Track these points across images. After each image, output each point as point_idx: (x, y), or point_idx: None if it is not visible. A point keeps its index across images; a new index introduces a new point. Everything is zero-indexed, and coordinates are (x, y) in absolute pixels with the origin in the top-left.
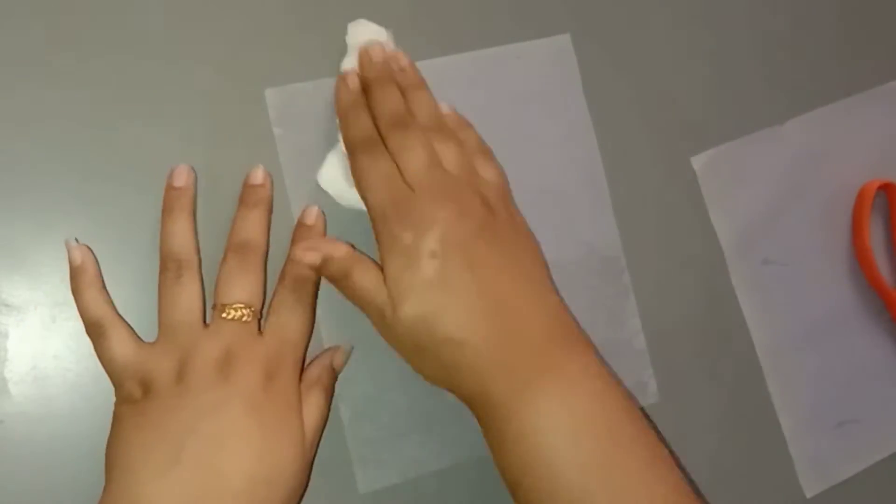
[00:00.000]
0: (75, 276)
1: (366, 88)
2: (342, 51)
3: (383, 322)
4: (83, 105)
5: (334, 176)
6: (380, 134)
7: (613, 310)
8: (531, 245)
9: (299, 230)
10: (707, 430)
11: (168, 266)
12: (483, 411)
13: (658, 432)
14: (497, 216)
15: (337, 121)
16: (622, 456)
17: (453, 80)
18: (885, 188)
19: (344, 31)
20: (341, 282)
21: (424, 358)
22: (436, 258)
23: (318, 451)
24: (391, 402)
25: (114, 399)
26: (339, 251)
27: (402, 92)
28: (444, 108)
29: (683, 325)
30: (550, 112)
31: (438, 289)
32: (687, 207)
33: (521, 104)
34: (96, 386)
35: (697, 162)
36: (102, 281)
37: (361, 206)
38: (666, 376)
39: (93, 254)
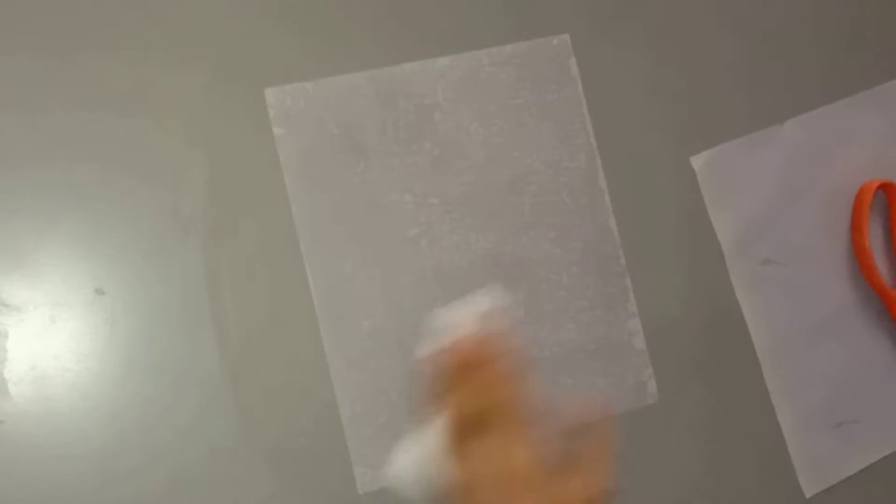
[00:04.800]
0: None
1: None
2: (340, 50)
3: None
4: (84, 105)
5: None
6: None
7: (613, 310)
8: None
9: None
10: (706, 430)
11: None
12: None
13: None
14: None
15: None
16: None
17: (453, 80)
18: (884, 188)
19: (343, 32)
20: None
21: None
22: None
23: (318, 450)
24: (391, 402)
25: None
26: None
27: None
28: None
29: (683, 325)
30: (550, 112)
31: None
32: (687, 207)
33: (521, 104)
34: (96, 386)
35: (697, 162)
36: None
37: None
38: (665, 376)
39: None
